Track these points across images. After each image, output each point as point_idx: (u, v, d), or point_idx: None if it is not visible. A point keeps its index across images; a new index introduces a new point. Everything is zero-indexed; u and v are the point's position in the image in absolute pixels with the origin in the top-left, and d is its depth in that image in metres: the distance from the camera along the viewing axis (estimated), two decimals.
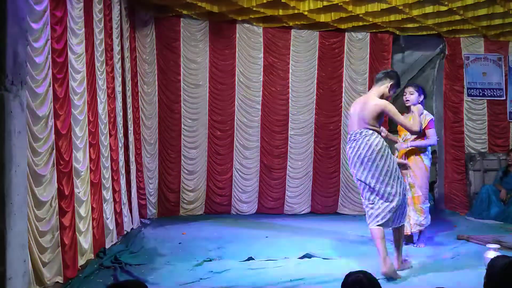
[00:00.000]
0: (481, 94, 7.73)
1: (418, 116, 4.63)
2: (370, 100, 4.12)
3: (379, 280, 2.11)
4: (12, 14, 2.90)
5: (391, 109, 4.04)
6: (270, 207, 7.33)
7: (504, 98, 7.80)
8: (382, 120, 4.24)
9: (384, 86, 4.17)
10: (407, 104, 5.22)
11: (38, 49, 3.44)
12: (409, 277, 4.09)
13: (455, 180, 7.69)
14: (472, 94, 7.72)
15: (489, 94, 7.74)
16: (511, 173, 7.12)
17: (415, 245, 5.24)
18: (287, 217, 7.11)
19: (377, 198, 4.01)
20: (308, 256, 4.70)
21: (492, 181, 7.32)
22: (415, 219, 5.11)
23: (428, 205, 5.22)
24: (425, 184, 5.18)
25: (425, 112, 5.23)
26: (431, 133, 5.11)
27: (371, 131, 4.03)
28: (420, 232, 5.25)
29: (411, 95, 5.16)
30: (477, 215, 7.02)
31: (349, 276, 2.09)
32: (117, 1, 5.55)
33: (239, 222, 6.64)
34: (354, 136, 4.10)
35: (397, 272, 4.05)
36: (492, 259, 2.32)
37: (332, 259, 4.68)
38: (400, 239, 4.22)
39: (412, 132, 4.37)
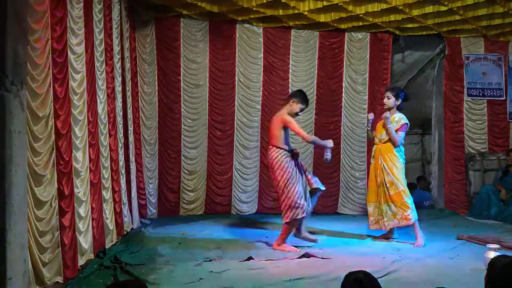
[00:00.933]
0: (481, 94, 7.73)
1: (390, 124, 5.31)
2: (278, 114, 5.23)
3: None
4: (12, 14, 2.90)
5: (288, 120, 5.10)
6: (270, 207, 7.32)
7: (504, 98, 7.80)
8: (287, 132, 5.18)
9: (288, 104, 5.22)
10: (384, 107, 5.53)
11: (38, 49, 3.43)
12: (409, 277, 4.09)
13: (455, 180, 7.70)
14: (472, 94, 7.72)
15: (489, 94, 7.75)
16: (511, 173, 7.12)
17: (413, 245, 5.26)
18: None
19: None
20: (307, 256, 4.70)
21: (492, 181, 7.32)
22: (401, 214, 5.26)
23: (411, 200, 5.34)
24: (403, 180, 5.37)
25: (401, 116, 5.41)
26: (401, 135, 5.36)
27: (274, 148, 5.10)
28: (416, 231, 5.32)
29: (388, 100, 5.44)
30: (477, 215, 7.02)
31: (350, 275, 2.09)
32: (117, 1, 5.55)
33: (239, 222, 6.64)
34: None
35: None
36: (492, 259, 2.32)
37: (331, 258, 4.68)
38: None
39: (304, 138, 5.27)
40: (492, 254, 4.24)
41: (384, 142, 5.40)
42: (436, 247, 5.18)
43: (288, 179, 5.02)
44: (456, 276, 4.07)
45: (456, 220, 6.91)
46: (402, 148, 5.42)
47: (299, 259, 4.63)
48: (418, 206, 7.96)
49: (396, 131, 5.33)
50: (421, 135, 9.32)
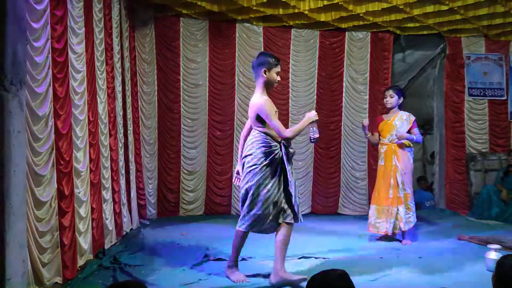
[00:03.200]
0: (482, 94, 7.72)
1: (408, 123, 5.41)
2: (253, 100, 3.94)
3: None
4: (12, 13, 2.89)
5: (264, 110, 3.79)
6: None
7: (505, 98, 7.79)
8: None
9: (261, 78, 3.91)
10: (387, 107, 5.56)
11: (38, 48, 3.42)
12: (409, 277, 4.08)
13: (456, 180, 7.68)
14: (473, 94, 7.71)
15: (490, 94, 7.74)
16: None
17: (402, 243, 5.35)
18: None
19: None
20: (306, 256, 4.69)
21: (493, 181, 7.31)
22: (405, 217, 5.33)
23: (414, 202, 5.46)
24: (411, 182, 5.47)
25: (407, 113, 5.54)
26: (417, 131, 5.50)
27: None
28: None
29: (391, 98, 5.49)
30: (478, 215, 7.01)
31: (328, 273, 1.99)
32: (117, 0, 5.53)
33: None
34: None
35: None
36: (501, 258, 2.29)
37: (331, 259, 4.67)
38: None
39: (282, 136, 3.86)
40: (493, 255, 4.24)
41: (394, 142, 5.44)
42: (437, 247, 5.17)
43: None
44: (457, 277, 4.07)
45: (457, 220, 6.89)
46: (412, 149, 5.52)
47: (298, 260, 4.61)
48: (419, 206, 8.01)
49: (410, 129, 5.45)
50: (422, 135, 9.31)
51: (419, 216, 7.00)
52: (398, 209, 5.32)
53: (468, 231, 5.96)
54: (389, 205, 5.34)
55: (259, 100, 3.86)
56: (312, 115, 3.94)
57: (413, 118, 5.49)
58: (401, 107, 5.56)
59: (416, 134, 5.47)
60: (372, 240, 5.58)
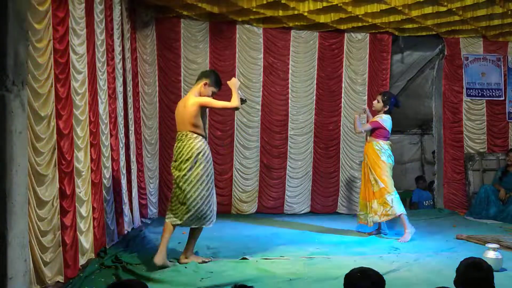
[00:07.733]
0: (480, 94, 7.75)
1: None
2: (188, 100, 4.41)
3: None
4: (13, 14, 2.92)
5: (206, 100, 4.41)
6: (270, 206, 7.34)
7: (503, 98, 7.82)
8: (206, 116, 4.63)
9: (199, 86, 4.51)
10: (372, 108, 5.89)
11: (40, 49, 3.45)
12: (408, 276, 4.11)
13: (454, 180, 7.72)
14: (471, 94, 7.74)
15: (488, 95, 7.77)
16: (510, 173, 7.15)
17: (398, 240, 5.48)
18: (287, 217, 7.12)
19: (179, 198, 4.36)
20: (306, 256, 4.72)
21: (491, 181, 7.34)
22: (381, 210, 5.52)
23: (394, 196, 5.52)
24: (387, 177, 5.56)
25: (382, 115, 5.69)
26: (366, 126, 5.76)
27: (195, 135, 4.35)
28: (404, 224, 5.52)
29: (377, 103, 5.75)
30: (476, 215, 7.04)
31: (354, 269, 2.17)
32: (118, 1, 5.57)
33: (239, 222, 6.65)
34: (180, 137, 4.39)
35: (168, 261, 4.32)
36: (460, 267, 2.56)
37: (331, 258, 4.70)
38: (195, 237, 4.61)
39: (231, 108, 4.59)
40: (491, 254, 4.27)
41: (368, 142, 5.76)
42: (435, 246, 5.20)
43: (208, 176, 4.46)
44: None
45: (455, 220, 6.93)
46: (385, 147, 5.65)
47: (298, 259, 4.64)
48: (418, 206, 8.03)
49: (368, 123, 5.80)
50: (420, 135, 9.35)
51: (418, 215, 7.05)
52: (372, 204, 5.57)
53: (467, 231, 5.99)
54: (367, 199, 5.65)
55: None
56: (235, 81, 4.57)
57: (376, 119, 5.66)
58: (389, 111, 5.72)
59: (361, 126, 5.76)
60: (372, 239, 5.61)
